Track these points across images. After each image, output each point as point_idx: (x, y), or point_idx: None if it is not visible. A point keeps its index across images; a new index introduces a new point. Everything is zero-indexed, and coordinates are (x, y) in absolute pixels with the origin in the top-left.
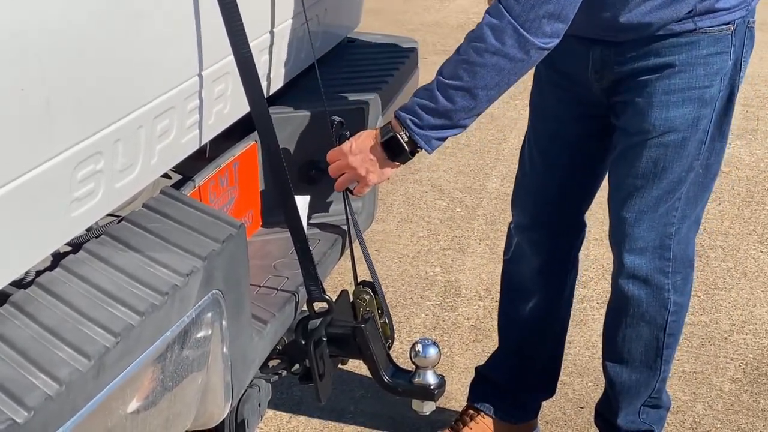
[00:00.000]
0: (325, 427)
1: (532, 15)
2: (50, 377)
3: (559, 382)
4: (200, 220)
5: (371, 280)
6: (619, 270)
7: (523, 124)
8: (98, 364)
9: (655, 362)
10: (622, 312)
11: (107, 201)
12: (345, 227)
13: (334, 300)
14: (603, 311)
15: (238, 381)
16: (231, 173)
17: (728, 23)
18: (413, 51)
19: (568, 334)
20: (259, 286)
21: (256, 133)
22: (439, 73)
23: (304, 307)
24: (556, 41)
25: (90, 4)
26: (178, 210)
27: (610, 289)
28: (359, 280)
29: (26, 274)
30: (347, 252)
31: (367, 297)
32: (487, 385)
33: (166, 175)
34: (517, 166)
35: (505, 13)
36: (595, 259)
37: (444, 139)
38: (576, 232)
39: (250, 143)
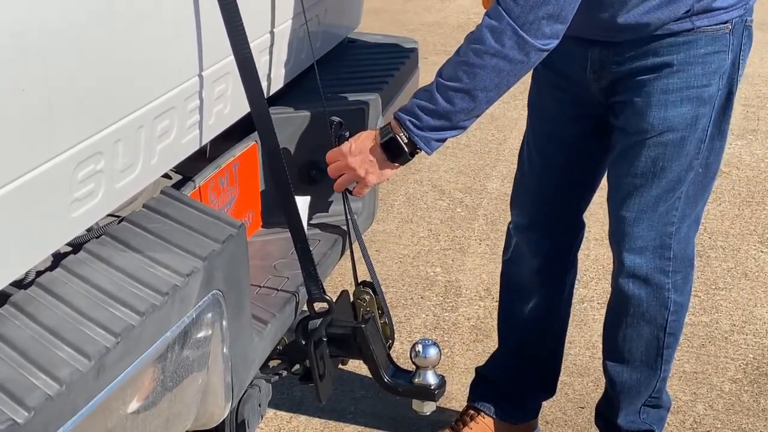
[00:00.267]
0: (325, 427)
1: (531, 16)
2: (51, 377)
3: (559, 382)
4: (200, 220)
5: (371, 281)
6: (619, 269)
7: (523, 125)
8: (99, 365)
9: (656, 362)
10: (623, 311)
11: (108, 201)
12: (345, 227)
13: (334, 300)
14: (603, 311)
15: (238, 381)
16: (231, 173)
17: (726, 22)
18: (414, 51)
19: (568, 334)
20: (260, 287)
21: (256, 133)
22: (439, 74)
23: (305, 308)
24: (555, 42)
25: (90, 5)
26: (178, 210)
27: (610, 289)
28: (359, 281)
29: (27, 274)
30: (347, 252)
31: (367, 297)
32: (487, 385)
33: (166, 176)
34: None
35: (504, 14)
36: (595, 259)
37: (443, 140)
38: (575, 232)
39: (251, 143)
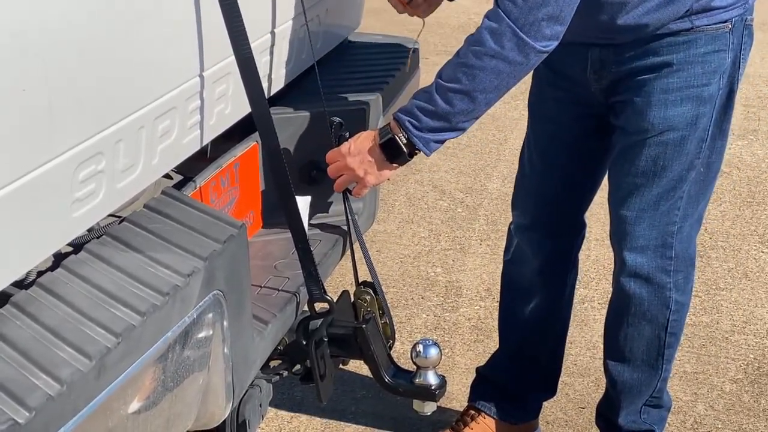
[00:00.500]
0: (326, 427)
1: (531, 18)
2: (51, 377)
3: (560, 382)
4: (201, 220)
5: (372, 281)
6: (621, 268)
7: (523, 125)
8: (99, 365)
9: (657, 361)
10: (624, 311)
11: (108, 201)
12: (346, 228)
13: (335, 300)
14: (604, 312)
15: (239, 381)
16: (232, 174)
17: (725, 21)
18: (414, 51)
19: (569, 334)
20: (260, 287)
21: (257, 133)
22: (439, 75)
23: (305, 308)
24: (555, 44)
25: (91, 5)
26: (179, 210)
27: (611, 289)
28: (360, 281)
29: (27, 274)
30: (348, 252)
31: (368, 297)
32: (488, 386)
33: (167, 176)
34: (517, 167)
35: (504, 16)
36: (596, 259)
37: (442, 141)
38: (576, 232)
39: (251, 144)
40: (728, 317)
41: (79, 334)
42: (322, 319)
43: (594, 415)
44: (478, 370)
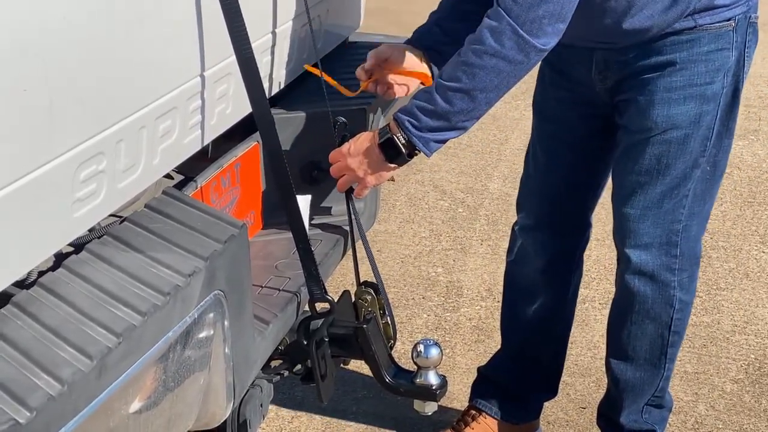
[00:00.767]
0: (327, 427)
1: (531, 15)
2: (52, 377)
3: (561, 382)
4: (202, 220)
5: (373, 281)
6: (626, 266)
7: (524, 125)
8: (100, 365)
9: (660, 360)
10: (628, 309)
11: (109, 201)
12: (347, 227)
13: (336, 300)
14: (605, 312)
15: (240, 381)
16: (233, 174)
17: (729, 19)
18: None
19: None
20: (261, 287)
21: (257, 133)
22: (439, 75)
23: (306, 308)
24: (555, 41)
25: (92, 5)
26: (180, 210)
27: (612, 289)
28: (361, 281)
29: (29, 274)
30: (349, 252)
31: (368, 297)
32: (489, 386)
33: (168, 176)
34: (518, 167)
35: (504, 14)
36: (597, 259)
37: (443, 141)
38: (580, 232)
39: (252, 144)
40: (729, 317)
41: (80, 334)
42: (323, 319)
43: (595, 415)
44: (479, 369)
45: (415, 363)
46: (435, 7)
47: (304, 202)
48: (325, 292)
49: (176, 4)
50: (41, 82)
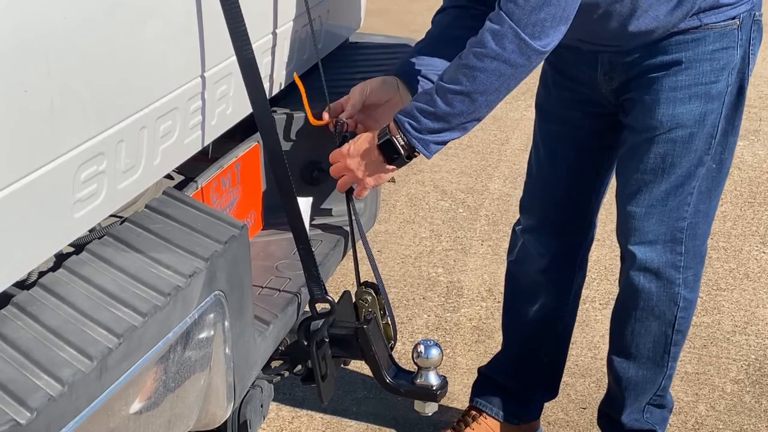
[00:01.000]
0: (327, 427)
1: (533, 18)
2: (53, 378)
3: (561, 382)
4: (203, 221)
5: (373, 281)
6: (631, 263)
7: (525, 125)
8: (101, 365)
9: (663, 358)
10: (632, 306)
11: (110, 202)
12: (347, 228)
13: (336, 301)
14: (605, 312)
15: (240, 382)
16: (233, 174)
17: (734, 18)
18: None
19: None
20: (262, 287)
21: (258, 134)
22: (440, 77)
23: (307, 308)
24: (557, 43)
25: (93, 6)
26: (180, 211)
27: (612, 289)
28: (362, 281)
29: (29, 274)
30: (349, 253)
31: (369, 298)
32: (489, 386)
33: (168, 176)
34: (519, 167)
35: (506, 18)
36: (597, 259)
37: (443, 143)
38: (584, 232)
39: (253, 144)
40: (730, 318)
41: (81, 334)
42: (323, 320)
43: (595, 415)
44: (479, 370)
45: (416, 363)
46: (436, 8)
47: (304, 203)
48: (326, 292)
49: (177, 4)
50: (42, 83)
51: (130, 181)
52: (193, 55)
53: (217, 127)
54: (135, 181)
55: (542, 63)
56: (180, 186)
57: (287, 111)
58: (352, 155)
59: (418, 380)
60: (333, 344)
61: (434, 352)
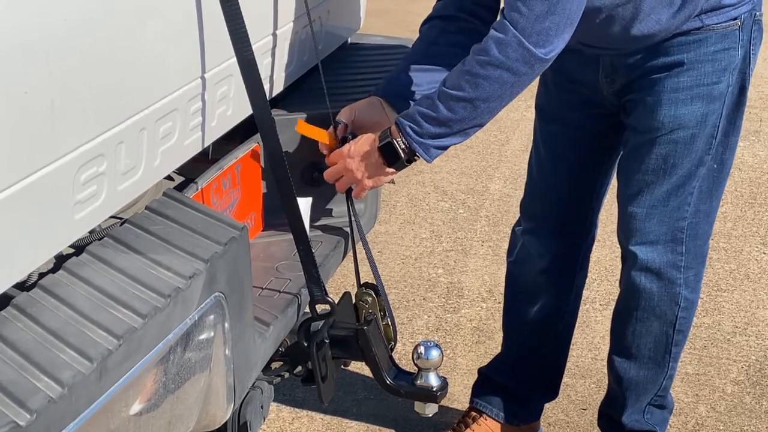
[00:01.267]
0: (327, 428)
1: (538, 27)
2: (53, 380)
3: (562, 383)
4: (203, 222)
5: (374, 282)
6: (632, 263)
7: (525, 126)
8: (101, 367)
9: (664, 359)
10: (633, 306)
11: (110, 203)
12: (347, 229)
13: (336, 302)
14: (606, 313)
15: (240, 383)
16: (233, 175)
17: (735, 18)
18: None
19: None
20: (262, 288)
21: (258, 135)
22: (443, 82)
23: (307, 309)
24: (560, 50)
25: (93, 7)
26: (180, 212)
27: (613, 290)
28: (362, 282)
29: (29, 276)
30: (350, 254)
31: (369, 299)
32: (489, 387)
33: (168, 178)
34: (519, 168)
35: (510, 27)
36: (597, 260)
37: (444, 148)
38: (585, 233)
39: (253, 145)
40: (730, 319)
41: (81, 336)
42: (323, 321)
43: (596, 416)
44: (480, 370)
45: (416, 364)
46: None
47: (305, 204)
48: (326, 293)
49: (177, 5)
50: (42, 84)
51: (130, 183)
52: (193, 56)
53: (217, 129)
54: (135, 182)
55: None
56: (180, 187)
57: (287, 112)
58: (352, 156)
59: (419, 381)
60: (333, 345)
61: (434, 353)
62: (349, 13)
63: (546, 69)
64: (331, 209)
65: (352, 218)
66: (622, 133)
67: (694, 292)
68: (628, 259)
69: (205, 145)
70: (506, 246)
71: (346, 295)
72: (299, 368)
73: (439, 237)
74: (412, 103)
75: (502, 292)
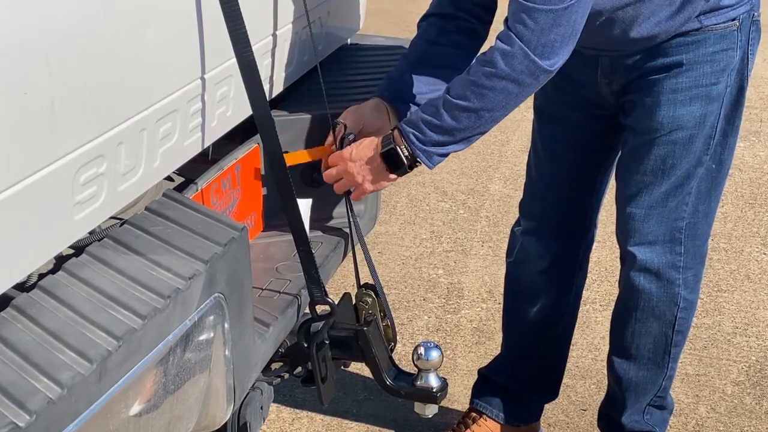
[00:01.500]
0: (327, 429)
1: (543, 40)
2: (52, 381)
3: (562, 384)
4: (203, 223)
5: (374, 283)
6: (631, 264)
7: (525, 126)
8: (100, 368)
9: (663, 359)
10: (632, 306)
11: (110, 204)
12: (347, 230)
13: (336, 303)
14: (606, 313)
15: (240, 384)
16: (233, 176)
17: (733, 19)
18: None
19: None
20: (262, 289)
21: (258, 135)
22: (447, 90)
23: (307, 310)
24: (564, 61)
25: (93, 7)
26: (180, 213)
27: (612, 291)
28: (362, 283)
29: (29, 277)
30: (349, 254)
31: (369, 300)
32: (489, 388)
33: (168, 178)
34: (519, 168)
35: (516, 39)
36: (597, 261)
37: (446, 155)
38: (584, 233)
39: (253, 146)
40: (730, 319)
41: (80, 337)
42: (323, 322)
43: (596, 417)
44: (480, 371)
45: (416, 365)
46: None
47: (304, 205)
48: (326, 294)
49: (177, 6)
50: (42, 84)
51: (130, 183)
52: (193, 56)
53: (217, 129)
54: (135, 183)
55: None
56: (180, 188)
57: (287, 113)
58: (354, 160)
59: (419, 382)
60: (333, 346)
61: (434, 354)
62: (349, 14)
63: None
64: (331, 210)
65: (351, 219)
66: (621, 133)
67: (693, 292)
68: (627, 259)
69: (205, 146)
70: (506, 246)
71: (346, 295)
72: (299, 369)
73: (440, 237)
74: (413, 106)
75: (502, 292)
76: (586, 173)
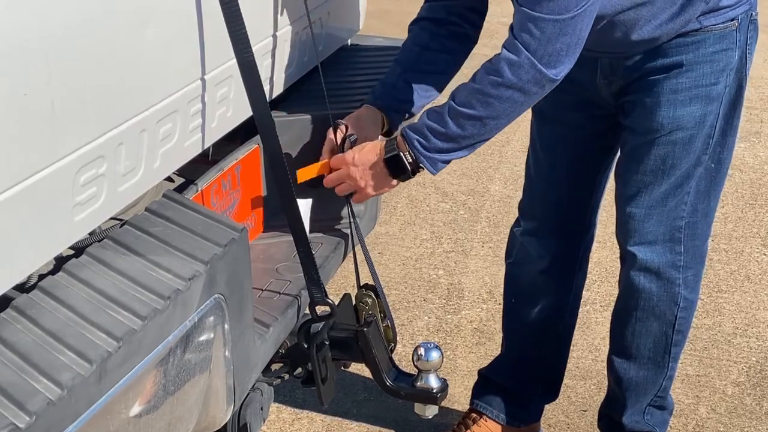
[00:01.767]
0: (327, 429)
1: (550, 49)
2: (52, 382)
3: (562, 385)
4: (203, 223)
5: (374, 284)
6: (631, 263)
7: (525, 127)
8: (100, 369)
9: (663, 359)
10: (632, 306)
11: (110, 205)
12: (347, 230)
13: (336, 303)
14: (606, 314)
15: (240, 385)
16: (233, 177)
17: (732, 19)
18: None
19: None
20: (262, 290)
21: (258, 136)
22: (452, 98)
23: (307, 311)
24: (569, 69)
25: (93, 7)
26: (180, 214)
27: (613, 291)
28: (362, 284)
29: (29, 277)
30: (350, 255)
31: (369, 300)
32: (490, 388)
33: (168, 179)
34: (520, 169)
35: (522, 49)
36: (597, 261)
37: (449, 161)
38: (584, 233)
39: (253, 147)
40: (730, 320)
41: (80, 338)
42: (323, 322)
43: (596, 417)
44: (480, 372)
45: (416, 366)
46: None
47: (305, 205)
48: (326, 295)
49: (177, 6)
50: (42, 86)
51: (130, 184)
52: (194, 57)
53: (217, 130)
54: (135, 184)
55: None
56: (180, 189)
57: (287, 113)
58: (356, 164)
59: (419, 383)
60: (333, 347)
61: (434, 355)
62: (349, 15)
63: None
64: (332, 210)
65: (351, 220)
66: (620, 133)
67: (693, 292)
68: (627, 259)
69: (205, 147)
70: (506, 247)
71: (346, 296)
72: (299, 370)
73: (440, 238)
74: (407, 116)
75: (502, 293)
76: (585, 173)
